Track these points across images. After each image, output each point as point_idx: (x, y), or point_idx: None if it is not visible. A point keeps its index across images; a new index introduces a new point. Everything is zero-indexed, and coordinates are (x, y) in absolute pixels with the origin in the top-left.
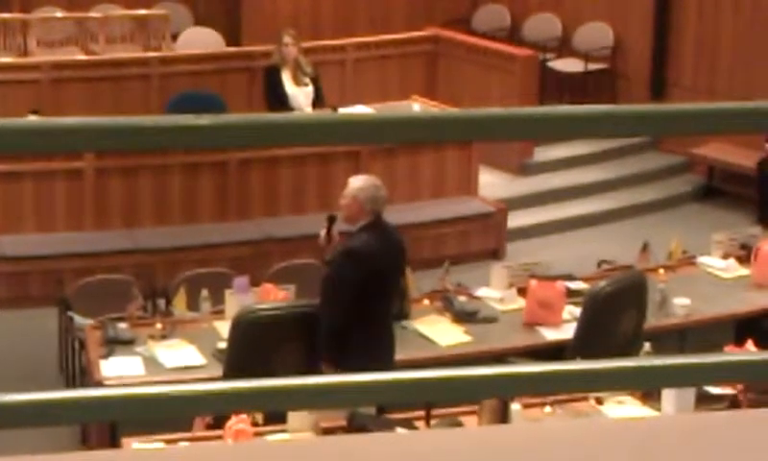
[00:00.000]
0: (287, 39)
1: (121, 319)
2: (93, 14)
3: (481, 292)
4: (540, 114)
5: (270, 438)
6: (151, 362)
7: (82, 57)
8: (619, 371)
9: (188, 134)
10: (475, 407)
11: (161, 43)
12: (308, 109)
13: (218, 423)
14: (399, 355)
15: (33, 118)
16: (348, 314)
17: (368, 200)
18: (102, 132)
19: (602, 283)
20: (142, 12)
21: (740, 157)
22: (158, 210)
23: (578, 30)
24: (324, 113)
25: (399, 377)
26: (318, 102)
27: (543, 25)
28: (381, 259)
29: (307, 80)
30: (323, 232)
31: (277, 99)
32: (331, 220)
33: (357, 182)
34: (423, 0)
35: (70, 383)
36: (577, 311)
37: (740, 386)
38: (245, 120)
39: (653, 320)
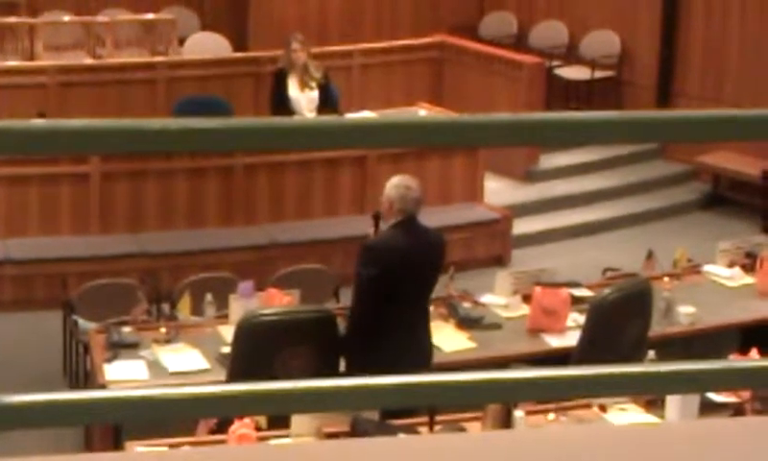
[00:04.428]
0: (295, 45)
1: (125, 323)
2: (100, 19)
3: (485, 298)
4: (546, 120)
5: (273, 443)
6: (155, 366)
7: (88, 61)
8: (624, 376)
9: (197, 137)
10: (479, 414)
11: (168, 48)
12: (310, 114)
13: (221, 427)
14: None
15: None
16: (372, 313)
17: (397, 199)
18: (109, 134)
19: (606, 291)
20: (149, 16)
21: (746, 165)
22: (164, 215)
23: (585, 37)
24: (328, 117)
25: (402, 381)
26: (326, 107)
27: (550, 32)
28: (402, 258)
29: (313, 85)
30: (371, 230)
31: (280, 102)
32: (377, 217)
33: (392, 181)
34: (430, 6)
35: (74, 387)
36: (581, 319)
37: (745, 395)
38: (252, 124)
39: (657, 328)
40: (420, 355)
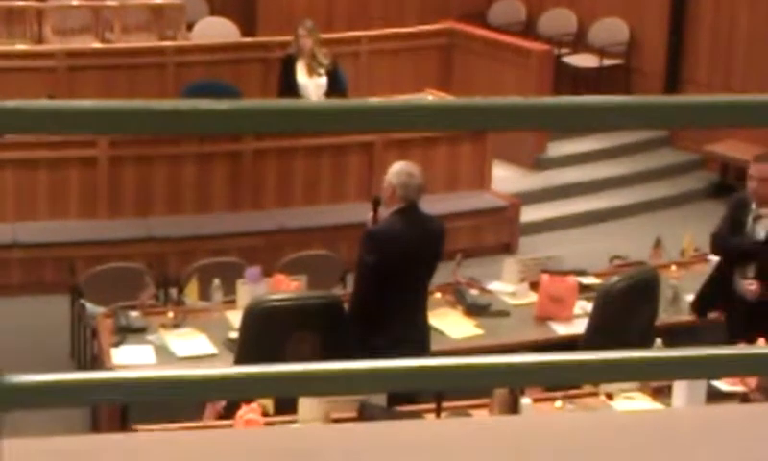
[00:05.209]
0: (301, 31)
1: (133, 307)
2: (109, 3)
3: (493, 286)
4: (554, 105)
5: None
6: (162, 351)
7: (97, 45)
8: (631, 362)
9: (206, 119)
10: (486, 401)
11: (177, 33)
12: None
13: (228, 412)
14: None
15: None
16: (374, 299)
17: (399, 185)
18: (120, 114)
19: (614, 279)
20: (158, 1)
21: (754, 154)
22: (172, 199)
23: (593, 25)
24: (336, 100)
25: (410, 365)
26: (334, 94)
27: (559, 20)
28: (404, 246)
29: (322, 71)
30: (370, 215)
31: (288, 88)
32: (377, 202)
33: (394, 168)
34: None
35: (81, 371)
36: (589, 306)
37: (752, 384)
38: (261, 106)
39: (664, 316)
40: (419, 342)
